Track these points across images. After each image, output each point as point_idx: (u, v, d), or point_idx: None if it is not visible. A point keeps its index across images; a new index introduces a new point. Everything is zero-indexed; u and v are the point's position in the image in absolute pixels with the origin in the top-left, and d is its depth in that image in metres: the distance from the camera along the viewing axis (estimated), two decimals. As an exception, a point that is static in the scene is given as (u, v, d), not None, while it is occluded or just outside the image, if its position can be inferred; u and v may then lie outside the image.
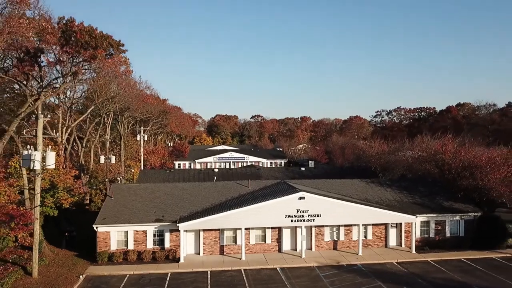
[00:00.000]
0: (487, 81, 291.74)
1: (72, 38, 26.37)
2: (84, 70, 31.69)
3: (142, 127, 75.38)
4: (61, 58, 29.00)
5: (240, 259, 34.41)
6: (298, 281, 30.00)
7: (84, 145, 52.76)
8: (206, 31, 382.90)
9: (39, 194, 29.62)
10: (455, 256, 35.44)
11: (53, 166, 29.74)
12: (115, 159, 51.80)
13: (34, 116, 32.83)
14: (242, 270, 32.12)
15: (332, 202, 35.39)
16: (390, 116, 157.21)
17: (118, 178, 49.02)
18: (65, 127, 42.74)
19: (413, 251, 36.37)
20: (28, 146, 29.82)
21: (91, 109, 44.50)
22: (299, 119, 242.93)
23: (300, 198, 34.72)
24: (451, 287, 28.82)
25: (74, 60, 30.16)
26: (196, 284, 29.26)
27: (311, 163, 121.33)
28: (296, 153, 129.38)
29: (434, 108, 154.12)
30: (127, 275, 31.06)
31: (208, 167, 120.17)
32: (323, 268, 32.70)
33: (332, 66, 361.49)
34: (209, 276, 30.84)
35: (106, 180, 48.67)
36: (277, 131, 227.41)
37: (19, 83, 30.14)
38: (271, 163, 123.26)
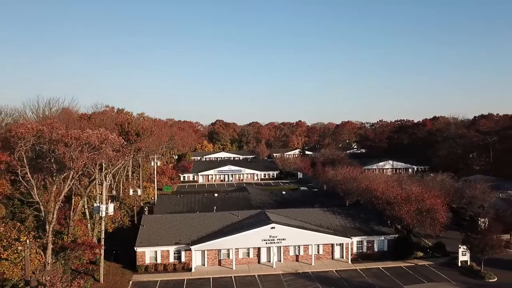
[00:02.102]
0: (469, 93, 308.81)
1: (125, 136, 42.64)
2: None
3: (155, 155, 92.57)
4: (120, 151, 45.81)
5: (232, 269, 51.66)
6: (267, 283, 47.30)
7: (116, 179, 70.09)
8: (206, 33, 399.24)
9: (103, 231, 46.90)
10: (376, 265, 52.65)
11: (112, 213, 46.97)
12: (140, 190, 69.44)
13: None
14: (233, 277, 49.39)
15: (293, 230, 52.68)
16: (373, 127, 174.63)
17: (145, 208, 66.60)
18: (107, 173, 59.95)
19: (349, 262, 53.61)
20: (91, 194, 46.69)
21: (125, 159, 61.77)
22: (294, 124, 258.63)
23: (272, 228, 51.98)
24: (361, 287, 46.13)
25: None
26: (204, 287, 46.53)
27: (300, 174, 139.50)
28: (287, 164, 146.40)
29: (412, 120, 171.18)
30: (159, 281, 48.31)
31: (210, 178, 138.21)
32: (286, 275, 49.96)
33: (330, 70, 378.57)
34: (211, 281, 48.07)
35: (135, 208, 66.23)
36: (273, 136, 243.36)
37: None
38: (264, 174, 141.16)
